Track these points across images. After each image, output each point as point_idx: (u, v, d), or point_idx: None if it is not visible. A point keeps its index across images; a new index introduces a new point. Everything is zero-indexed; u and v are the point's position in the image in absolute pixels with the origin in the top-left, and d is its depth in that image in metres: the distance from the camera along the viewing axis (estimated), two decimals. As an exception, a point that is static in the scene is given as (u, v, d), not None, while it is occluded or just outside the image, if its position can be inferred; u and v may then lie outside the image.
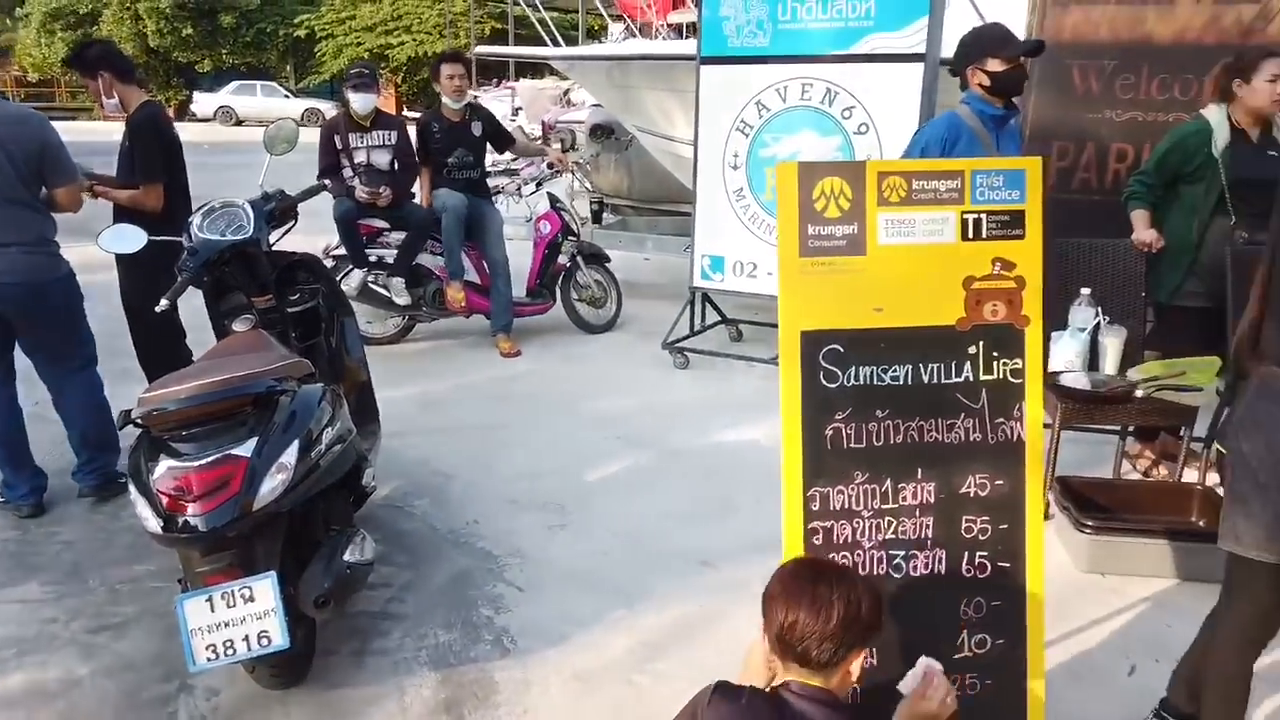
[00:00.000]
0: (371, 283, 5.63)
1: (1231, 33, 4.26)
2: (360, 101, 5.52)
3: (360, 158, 5.56)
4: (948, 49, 4.76)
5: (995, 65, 3.26)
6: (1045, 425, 3.50)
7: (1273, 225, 1.99)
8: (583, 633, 2.88)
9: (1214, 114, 3.72)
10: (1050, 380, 3.60)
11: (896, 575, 2.07)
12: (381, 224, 5.63)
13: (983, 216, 2.07)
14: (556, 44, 9.62)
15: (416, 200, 5.81)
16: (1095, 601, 3.08)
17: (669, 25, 12.02)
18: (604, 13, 12.68)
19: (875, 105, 4.85)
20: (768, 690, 1.78)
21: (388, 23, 29.98)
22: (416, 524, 3.57)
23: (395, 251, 5.59)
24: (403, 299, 5.65)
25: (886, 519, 2.07)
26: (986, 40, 3.34)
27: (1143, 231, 3.84)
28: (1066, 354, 3.70)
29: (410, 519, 3.61)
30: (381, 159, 5.60)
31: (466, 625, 2.93)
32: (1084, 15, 4.49)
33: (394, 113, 15.84)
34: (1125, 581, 3.18)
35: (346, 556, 2.56)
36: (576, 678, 2.69)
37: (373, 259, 5.61)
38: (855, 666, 1.68)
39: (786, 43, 4.97)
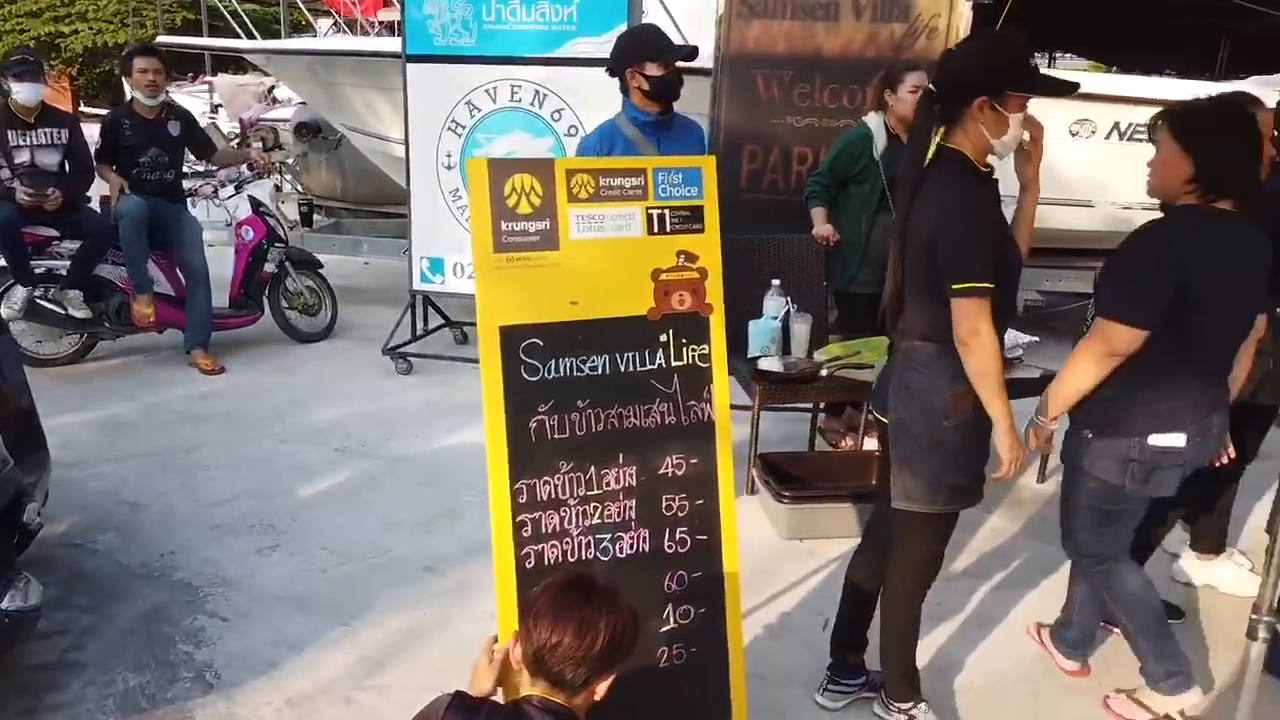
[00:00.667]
0: (40, 298, 4.99)
1: (886, 48, 4.79)
2: (24, 92, 4.87)
3: (22, 157, 4.92)
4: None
5: (653, 69, 3.24)
6: (745, 407, 3.79)
7: (896, 219, 2.27)
8: (296, 656, 2.73)
9: (873, 121, 4.17)
10: (749, 365, 3.89)
11: (604, 558, 2.13)
12: (51, 232, 5.01)
13: (666, 212, 2.19)
14: (251, 36, 9.01)
15: (94, 205, 5.22)
16: (794, 565, 3.36)
17: (380, 22, 11.68)
18: (303, 8, 12.02)
19: (584, 108, 4.98)
20: (507, 704, 1.78)
21: (57, 8, 26.72)
22: (100, 561, 3.21)
23: (68, 262, 5.00)
24: (81, 312, 5.07)
25: (592, 505, 2.13)
26: (644, 43, 3.33)
27: (821, 227, 4.24)
28: (762, 340, 4.00)
29: (92, 556, 3.24)
30: (49, 159, 4.99)
31: (162, 665, 2.68)
32: (764, 29, 4.86)
33: (68, 108, 14.20)
34: (820, 544, 3.49)
35: (4, 604, 2.26)
36: (290, 703, 2.54)
37: (41, 271, 4.98)
38: (602, 688, 1.70)
39: (493, 43, 4.99)
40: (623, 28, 4.76)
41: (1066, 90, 2.17)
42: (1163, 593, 3.20)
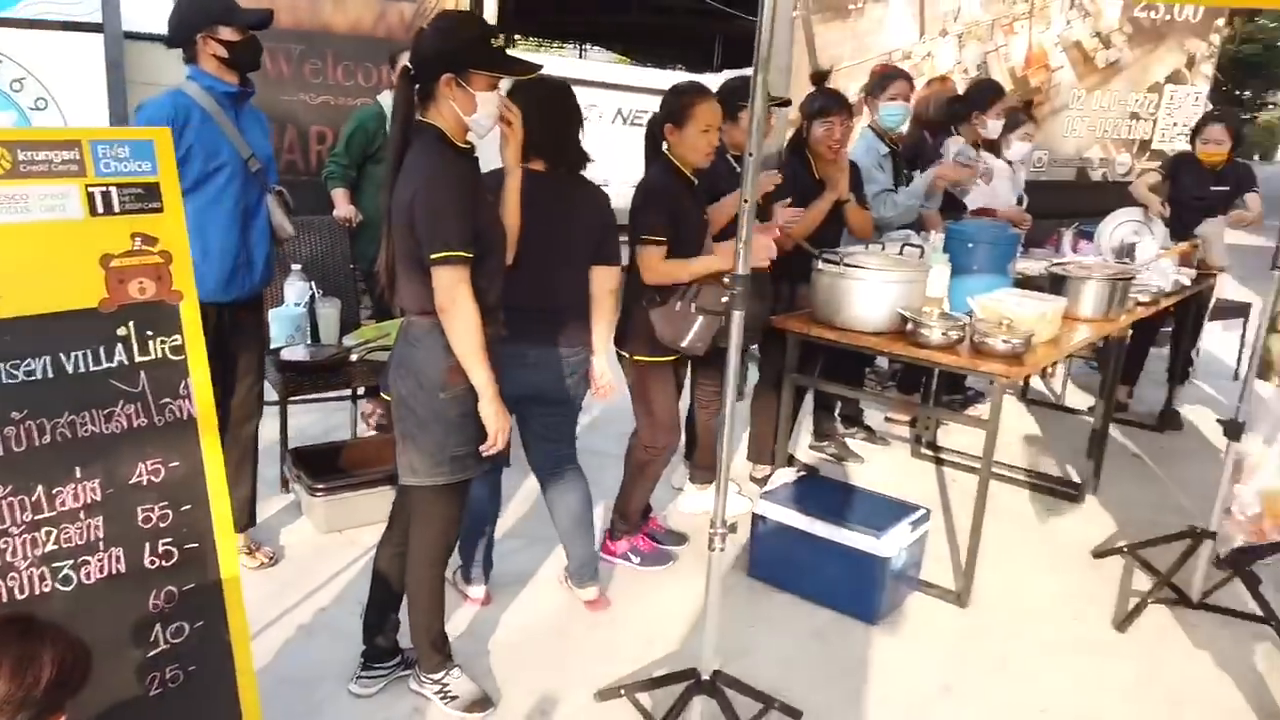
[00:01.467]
0: None
1: (396, 27, 4.77)
2: None
3: None
4: (132, 22, 4.46)
5: (229, 34, 2.92)
6: (277, 402, 3.57)
7: (382, 194, 2.26)
8: None
9: (387, 99, 4.12)
10: (272, 355, 3.66)
11: (66, 588, 1.86)
12: None
13: (112, 189, 1.94)
14: None
15: None
16: (333, 558, 3.24)
17: None
18: None
19: (54, 78, 4.32)
20: None
21: None
22: None
23: None
24: None
25: (44, 530, 1.84)
26: (212, 6, 2.97)
27: (343, 208, 4.12)
28: (286, 329, 3.79)
29: None
30: None
31: None
32: (267, -1, 4.57)
33: None
34: (360, 532, 3.39)
35: None
36: None
37: None
38: None
39: (-83, -4, 4.11)
40: (91, -13, 4.22)
41: (528, 70, 2.29)
42: (670, 522, 3.62)
